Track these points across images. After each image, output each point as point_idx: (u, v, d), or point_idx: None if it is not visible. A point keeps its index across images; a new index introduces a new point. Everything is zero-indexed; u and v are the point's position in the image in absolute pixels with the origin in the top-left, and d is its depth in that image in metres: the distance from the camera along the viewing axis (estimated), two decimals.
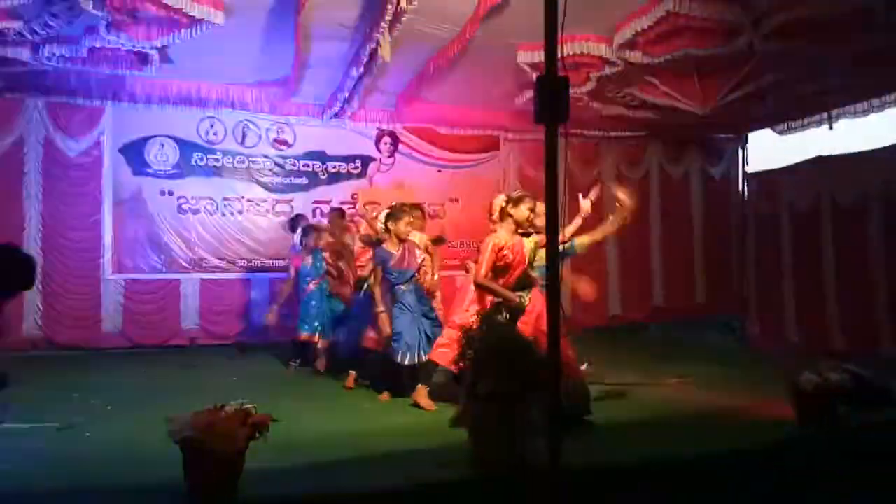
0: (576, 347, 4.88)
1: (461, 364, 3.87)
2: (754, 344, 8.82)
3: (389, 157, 9.42)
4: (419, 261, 5.77)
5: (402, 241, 5.67)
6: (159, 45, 6.42)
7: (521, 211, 4.87)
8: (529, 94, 7.82)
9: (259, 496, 3.07)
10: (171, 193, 8.49)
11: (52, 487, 3.30)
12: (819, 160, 8.34)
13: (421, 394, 5.21)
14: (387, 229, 5.75)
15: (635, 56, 6.51)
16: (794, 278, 8.50)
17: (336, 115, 8.66)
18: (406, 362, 5.42)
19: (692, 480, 3.61)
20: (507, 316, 4.55)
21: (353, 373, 6.11)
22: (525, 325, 4.61)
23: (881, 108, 7.90)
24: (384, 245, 5.70)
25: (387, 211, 5.91)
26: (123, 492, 3.18)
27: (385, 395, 5.60)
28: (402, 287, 5.62)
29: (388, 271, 5.64)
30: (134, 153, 8.36)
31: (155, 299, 8.37)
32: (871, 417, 4.18)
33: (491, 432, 3.43)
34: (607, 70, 6.90)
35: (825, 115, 8.59)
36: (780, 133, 9.50)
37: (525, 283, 4.87)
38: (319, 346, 6.97)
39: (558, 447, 3.00)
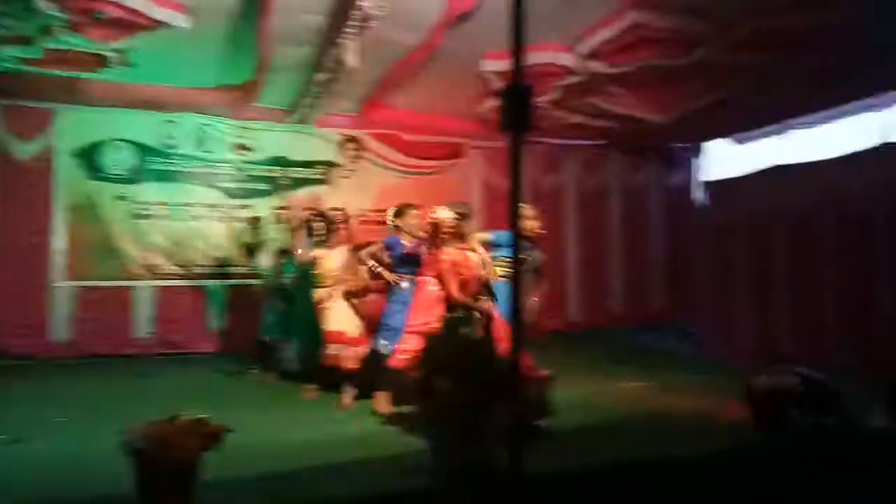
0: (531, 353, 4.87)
1: (421, 370, 3.85)
2: (708, 349, 8.97)
3: (353, 163, 9.36)
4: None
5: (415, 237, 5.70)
6: (118, 48, 6.27)
7: (463, 225, 4.92)
8: (494, 102, 7.89)
9: None
10: (125, 198, 8.28)
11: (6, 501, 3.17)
12: (773, 170, 8.54)
13: (381, 400, 5.17)
14: (396, 227, 5.73)
15: (598, 66, 6.59)
16: (747, 285, 8.68)
17: (299, 121, 8.57)
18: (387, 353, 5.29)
19: (651, 485, 3.64)
20: (474, 325, 4.52)
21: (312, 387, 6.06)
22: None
23: (834, 118, 8.15)
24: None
25: (394, 209, 5.85)
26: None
27: (348, 399, 5.56)
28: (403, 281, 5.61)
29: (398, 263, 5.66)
30: (88, 157, 8.15)
31: (107, 307, 8.11)
32: (821, 421, 4.28)
33: (452, 439, 3.41)
34: (570, 79, 6.97)
35: (780, 125, 8.83)
36: (737, 142, 9.74)
37: (480, 292, 4.87)
38: (281, 355, 6.84)
39: (519, 454, 3.00)
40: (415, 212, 5.77)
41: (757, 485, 3.64)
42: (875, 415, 4.24)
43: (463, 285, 4.70)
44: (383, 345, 5.35)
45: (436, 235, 4.96)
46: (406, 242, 5.66)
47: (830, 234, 7.58)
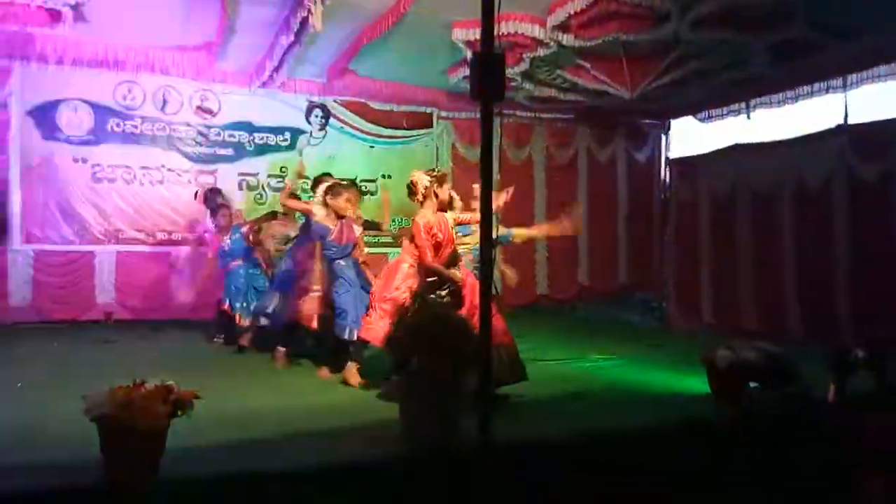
0: (505, 317, 4.91)
1: (393, 340, 3.86)
2: (672, 323, 9.19)
3: (320, 130, 9.22)
4: (357, 235, 5.76)
5: (339, 217, 5.60)
6: (73, 3, 6.03)
7: (445, 191, 4.88)
8: (464, 72, 7.84)
9: (182, 476, 2.98)
10: (84, 161, 8.04)
11: None
12: (736, 148, 8.69)
13: (351, 371, 5.18)
14: (325, 204, 5.65)
15: (567, 39, 6.58)
16: (710, 261, 8.87)
17: (264, 85, 8.38)
18: (353, 338, 5.32)
19: (613, 455, 3.73)
20: (447, 295, 4.52)
21: (282, 350, 6.00)
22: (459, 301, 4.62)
23: (795, 99, 8.30)
24: (319, 220, 5.63)
25: (326, 185, 5.78)
26: (37, 471, 3.01)
27: (325, 372, 5.51)
28: (342, 262, 5.57)
29: (327, 246, 5.59)
30: (44, 117, 7.87)
31: (67, 272, 7.94)
32: (779, 394, 4.43)
33: (423, 409, 3.44)
34: (540, 51, 6.95)
35: (744, 104, 8.96)
36: (702, 121, 9.86)
37: (454, 261, 4.87)
38: (243, 324, 6.78)
39: (488, 423, 3.04)
40: (347, 195, 5.67)
41: (717, 455, 3.77)
42: (829, 390, 4.40)
43: (437, 249, 4.69)
44: (348, 331, 5.34)
45: (413, 197, 4.91)
46: (330, 226, 5.58)
47: (790, 212, 7.77)
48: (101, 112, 8.09)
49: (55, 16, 6.40)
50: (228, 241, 6.88)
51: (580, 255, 10.62)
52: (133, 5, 6.11)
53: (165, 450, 2.91)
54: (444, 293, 4.47)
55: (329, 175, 6.31)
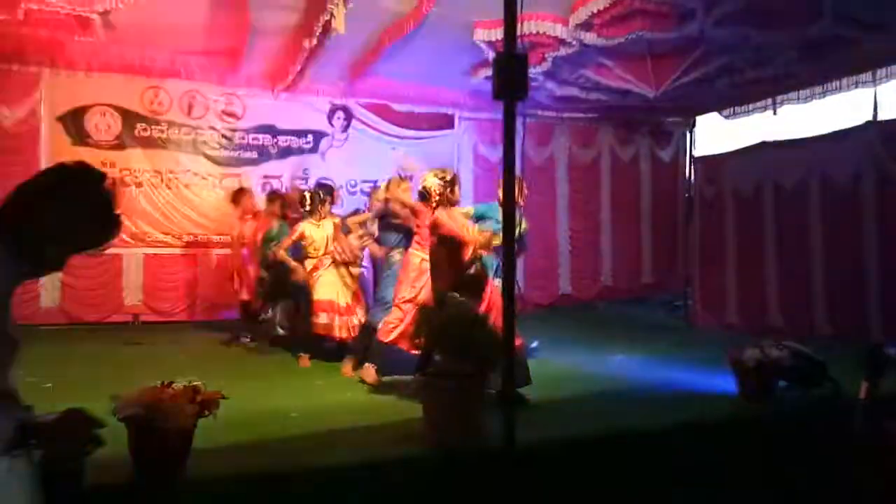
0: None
1: (417, 341, 3.86)
2: (697, 322, 9.08)
3: (342, 132, 9.28)
4: None
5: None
6: (101, 10, 6.13)
7: (457, 193, 4.97)
8: (486, 72, 7.83)
9: (208, 474, 3.02)
10: (112, 165, 8.17)
11: None
12: (763, 145, 8.57)
13: (368, 371, 5.20)
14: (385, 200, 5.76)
15: (590, 38, 6.54)
16: (736, 260, 8.75)
17: (287, 88, 8.46)
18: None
19: (638, 455, 3.70)
20: (472, 285, 4.52)
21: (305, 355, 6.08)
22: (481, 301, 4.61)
23: (823, 95, 8.16)
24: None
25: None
26: None
27: (348, 369, 5.51)
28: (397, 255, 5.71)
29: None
30: (73, 123, 8.01)
31: (95, 274, 8.06)
32: (807, 394, 4.36)
33: (446, 409, 3.44)
34: (563, 51, 6.91)
35: (770, 100, 8.83)
36: (727, 118, 9.73)
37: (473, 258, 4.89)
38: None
39: (513, 423, 3.03)
40: (405, 184, 5.78)
41: (744, 455, 3.72)
42: (861, 388, 4.31)
43: (462, 245, 4.70)
44: (380, 318, 5.37)
45: (427, 202, 4.94)
46: (398, 211, 5.66)
47: (818, 210, 7.65)
48: (129, 117, 8.23)
49: (84, 23, 6.53)
50: (276, 226, 6.99)
51: (603, 255, 10.56)
52: (160, 12, 6.19)
53: (192, 450, 2.95)
54: (470, 286, 4.47)
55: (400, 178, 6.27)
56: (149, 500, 2.84)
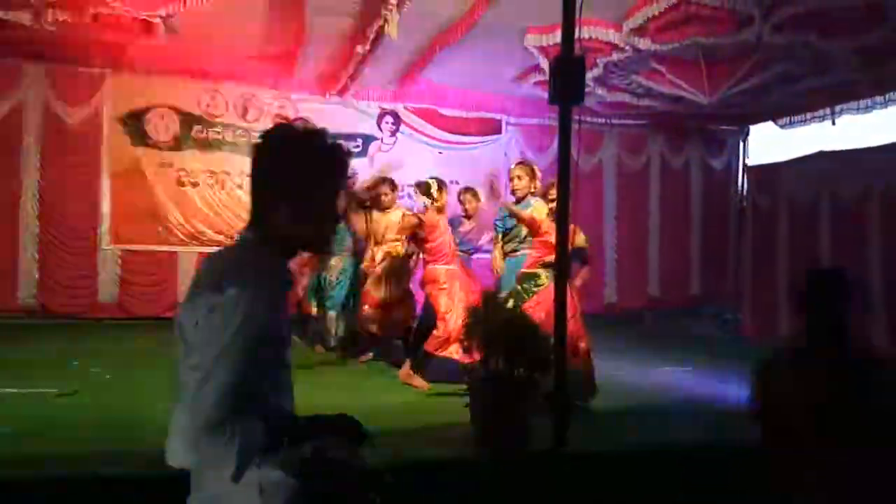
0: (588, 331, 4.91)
1: (467, 343, 3.87)
2: (747, 335, 8.88)
3: (391, 136, 9.37)
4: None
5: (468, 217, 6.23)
6: (164, 14, 6.33)
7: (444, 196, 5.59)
8: (535, 78, 7.82)
9: None
10: (170, 166, 8.43)
11: (55, 452, 3.30)
12: (820, 155, 8.35)
13: (417, 378, 5.24)
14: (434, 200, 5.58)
15: (644, 43, 6.48)
16: (788, 272, 8.54)
17: (338, 93, 8.59)
18: None
19: (688, 467, 3.64)
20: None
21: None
22: (539, 307, 4.59)
23: (884, 105, 7.92)
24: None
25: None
26: (126, 458, 3.17)
27: (407, 371, 5.42)
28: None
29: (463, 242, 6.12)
30: (134, 123, 8.28)
31: (152, 271, 8.34)
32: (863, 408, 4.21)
33: (494, 412, 3.44)
34: (615, 56, 6.86)
35: (828, 110, 8.61)
36: (782, 127, 9.52)
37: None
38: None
39: (564, 429, 3.02)
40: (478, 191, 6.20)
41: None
42: None
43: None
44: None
45: (433, 201, 5.47)
46: (466, 221, 6.06)
47: (877, 222, 7.41)
48: (187, 119, 8.47)
49: (147, 26, 6.74)
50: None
51: (651, 264, 10.41)
52: (219, 17, 6.36)
53: None
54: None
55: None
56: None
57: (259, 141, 1.60)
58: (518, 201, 5.31)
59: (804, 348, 2.24)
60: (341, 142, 1.65)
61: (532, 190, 5.31)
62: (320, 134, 1.61)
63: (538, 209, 5.00)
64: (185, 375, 1.43)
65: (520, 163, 5.78)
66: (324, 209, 1.58)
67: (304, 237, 1.58)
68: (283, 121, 8.79)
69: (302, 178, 1.54)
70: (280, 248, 1.55)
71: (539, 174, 5.44)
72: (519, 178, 5.32)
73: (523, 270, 4.96)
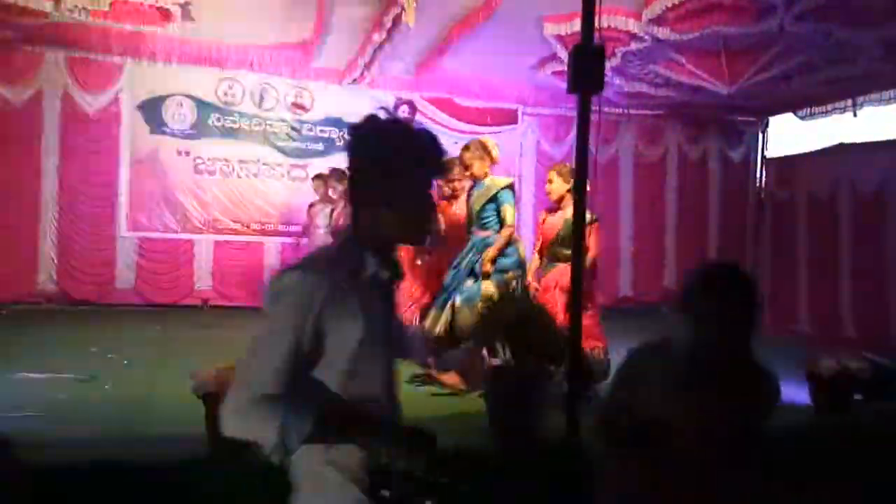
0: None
1: (481, 333, 3.87)
2: (765, 329, 8.80)
3: None
4: None
5: None
6: (182, 2, 6.35)
7: None
8: (552, 67, 7.76)
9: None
10: (187, 154, 8.47)
11: (79, 436, 3.34)
12: (840, 148, 8.24)
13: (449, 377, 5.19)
14: None
15: (663, 32, 6.40)
16: (808, 265, 8.45)
17: (354, 82, 8.58)
18: None
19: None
20: None
21: None
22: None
23: None
24: None
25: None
26: (147, 442, 3.22)
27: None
28: None
29: None
30: (152, 111, 8.33)
31: (168, 258, 8.42)
32: (886, 407, 4.17)
33: (507, 403, 3.44)
34: (634, 46, 6.78)
35: (850, 101, 8.46)
36: (803, 118, 9.37)
37: None
38: None
39: (577, 420, 3.02)
40: None
41: (817, 470, 3.59)
42: None
43: None
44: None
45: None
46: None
47: None
48: (204, 107, 8.50)
49: (166, 15, 6.77)
50: None
51: (667, 256, 10.33)
52: (236, 5, 6.37)
53: None
54: None
55: None
56: (224, 476, 2.94)
57: (350, 135, 1.60)
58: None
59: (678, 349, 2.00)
60: (433, 131, 1.66)
61: (486, 170, 5.49)
62: (409, 125, 1.64)
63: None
64: None
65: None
66: (417, 201, 1.58)
67: (400, 230, 1.57)
68: (299, 109, 8.84)
69: (394, 170, 1.54)
70: (372, 242, 1.54)
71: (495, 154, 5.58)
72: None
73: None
